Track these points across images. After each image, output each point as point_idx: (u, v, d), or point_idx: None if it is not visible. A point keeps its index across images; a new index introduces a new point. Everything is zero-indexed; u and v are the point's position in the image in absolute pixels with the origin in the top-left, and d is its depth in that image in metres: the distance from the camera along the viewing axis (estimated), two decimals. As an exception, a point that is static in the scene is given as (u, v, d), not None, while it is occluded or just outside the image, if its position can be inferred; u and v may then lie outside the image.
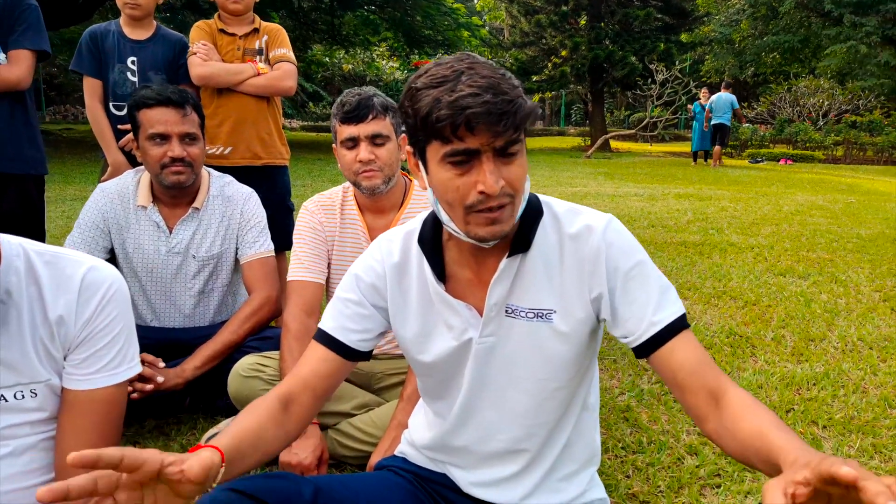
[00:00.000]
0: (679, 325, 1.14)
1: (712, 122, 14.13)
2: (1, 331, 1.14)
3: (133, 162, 2.70)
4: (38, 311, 1.17)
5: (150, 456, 0.86)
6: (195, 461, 0.91)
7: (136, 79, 2.77)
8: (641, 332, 1.14)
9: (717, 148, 14.35)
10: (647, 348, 1.15)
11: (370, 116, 1.91)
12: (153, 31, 2.83)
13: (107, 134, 2.76)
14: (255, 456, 1.11)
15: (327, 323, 1.29)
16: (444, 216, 1.12)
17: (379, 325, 1.30)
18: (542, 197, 1.23)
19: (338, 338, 1.26)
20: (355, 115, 1.90)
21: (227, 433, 1.07)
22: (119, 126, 2.76)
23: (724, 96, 14.03)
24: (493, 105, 0.98)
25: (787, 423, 2.14)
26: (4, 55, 2.45)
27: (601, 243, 1.15)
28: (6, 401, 1.17)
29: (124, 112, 2.75)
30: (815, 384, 2.53)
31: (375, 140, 1.92)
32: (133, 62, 2.76)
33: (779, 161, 16.11)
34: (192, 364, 2.06)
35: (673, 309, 1.15)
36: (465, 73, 1.01)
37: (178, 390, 2.04)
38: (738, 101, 14.94)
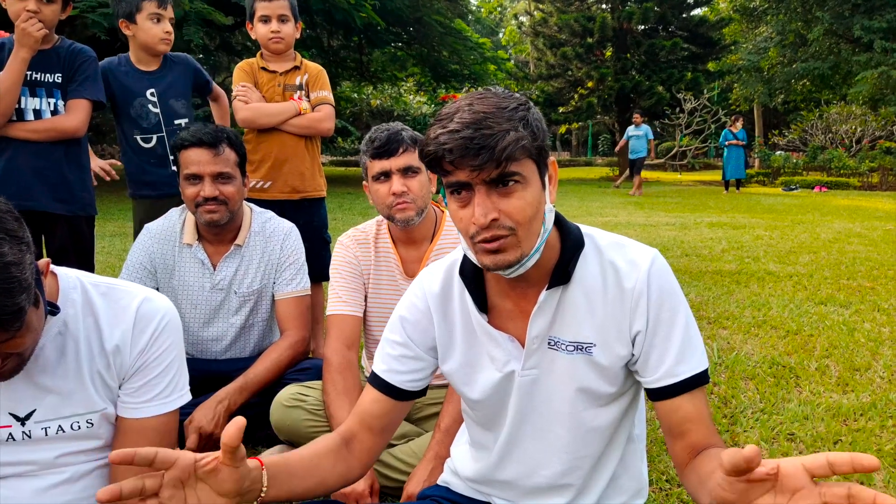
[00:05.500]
0: (696, 382, 1.15)
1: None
2: (59, 362, 1.17)
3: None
4: (94, 341, 1.20)
5: (183, 454, 0.94)
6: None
7: (158, 109, 2.84)
8: (658, 377, 1.15)
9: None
10: (658, 394, 1.16)
11: (400, 150, 1.95)
12: (161, 58, 2.90)
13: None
14: (310, 479, 1.16)
15: (378, 366, 1.32)
16: (463, 244, 1.15)
17: (427, 365, 1.31)
18: (584, 228, 1.22)
19: (387, 380, 1.29)
20: (386, 149, 1.95)
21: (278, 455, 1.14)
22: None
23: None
24: (468, 140, 1.00)
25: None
26: (63, 103, 2.55)
27: (645, 280, 1.15)
28: (63, 431, 1.20)
29: (152, 144, 2.83)
30: (861, 415, 2.46)
31: (407, 172, 1.96)
32: (152, 94, 2.84)
33: (813, 188, 15.90)
34: (221, 410, 2.05)
35: (694, 363, 1.15)
36: (462, 109, 1.03)
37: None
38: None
